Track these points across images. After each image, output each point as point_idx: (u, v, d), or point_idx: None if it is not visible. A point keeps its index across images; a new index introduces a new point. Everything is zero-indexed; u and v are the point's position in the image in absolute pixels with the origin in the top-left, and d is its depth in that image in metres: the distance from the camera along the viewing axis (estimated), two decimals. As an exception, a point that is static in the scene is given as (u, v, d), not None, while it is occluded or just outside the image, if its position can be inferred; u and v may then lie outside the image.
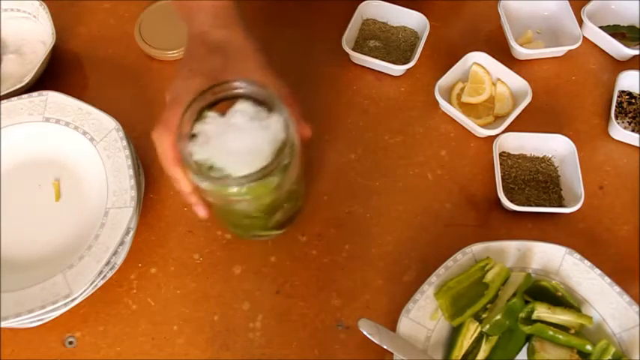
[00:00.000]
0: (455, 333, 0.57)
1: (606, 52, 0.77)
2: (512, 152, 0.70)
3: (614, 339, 0.56)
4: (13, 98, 0.67)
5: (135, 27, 0.78)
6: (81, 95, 0.68)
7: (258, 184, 0.49)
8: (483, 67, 0.73)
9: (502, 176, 0.67)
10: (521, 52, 0.74)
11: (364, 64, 0.76)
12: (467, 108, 0.72)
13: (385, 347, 0.54)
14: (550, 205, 0.66)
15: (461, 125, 0.72)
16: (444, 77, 0.71)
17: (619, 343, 0.56)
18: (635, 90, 0.74)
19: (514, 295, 0.56)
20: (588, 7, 0.77)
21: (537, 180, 0.68)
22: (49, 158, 0.67)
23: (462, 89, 0.73)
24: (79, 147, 0.65)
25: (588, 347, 0.55)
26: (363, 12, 0.78)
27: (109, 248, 0.58)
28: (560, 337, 0.55)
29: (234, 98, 0.52)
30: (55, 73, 0.76)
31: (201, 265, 0.63)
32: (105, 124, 0.65)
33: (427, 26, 0.75)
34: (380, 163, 0.69)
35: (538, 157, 0.70)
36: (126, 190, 0.62)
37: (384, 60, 0.73)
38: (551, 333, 0.55)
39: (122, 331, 0.60)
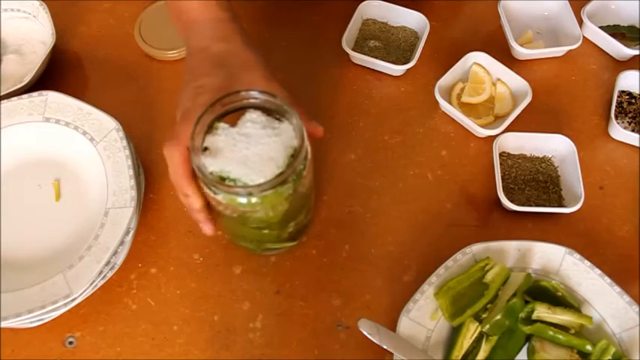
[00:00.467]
0: (455, 333, 0.57)
1: (606, 52, 0.77)
2: (512, 152, 0.70)
3: (614, 339, 0.56)
4: (13, 98, 0.67)
5: (135, 27, 0.79)
6: (81, 95, 0.68)
7: (273, 192, 0.49)
8: (483, 67, 0.73)
9: (502, 176, 0.67)
10: (521, 52, 0.74)
11: (364, 64, 0.76)
12: (467, 108, 0.72)
13: (385, 347, 0.54)
14: (550, 205, 0.66)
15: (461, 125, 0.72)
16: (444, 77, 0.71)
17: (619, 343, 0.56)
18: (635, 90, 0.74)
19: (514, 295, 0.56)
20: (588, 7, 0.77)
21: (537, 180, 0.68)
22: (49, 158, 0.67)
23: (462, 89, 0.73)
24: (79, 147, 0.65)
25: (588, 347, 0.55)
26: (363, 12, 0.78)
27: (109, 248, 0.58)
28: (560, 337, 0.55)
29: (243, 109, 0.52)
30: (55, 73, 0.76)
31: (201, 265, 0.63)
32: (105, 124, 0.65)
33: (427, 26, 0.75)
34: (380, 163, 0.69)
35: (538, 157, 0.70)
36: (126, 190, 0.62)
37: (384, 60, 0.73)
38: (551, 333, 0.55)
39: (122, 331, 0.60)
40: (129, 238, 0.61)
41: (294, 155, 0.50)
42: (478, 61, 0.74)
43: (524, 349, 0.57)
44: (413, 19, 0.77)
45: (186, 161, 0.51)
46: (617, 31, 0.78)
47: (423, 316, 0.57)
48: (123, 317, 0.61)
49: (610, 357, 0.54)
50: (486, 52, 0.73)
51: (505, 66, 0.72)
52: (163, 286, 0.62)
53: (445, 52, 0.77)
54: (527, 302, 0.57)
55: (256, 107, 0.52)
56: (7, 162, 0.67)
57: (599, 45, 0.78)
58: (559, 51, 0.76)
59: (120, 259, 0.61)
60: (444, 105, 0.71)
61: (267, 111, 0.52)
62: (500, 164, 0.68)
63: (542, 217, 0.65)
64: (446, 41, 0.78)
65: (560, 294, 0.57)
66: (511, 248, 0.60)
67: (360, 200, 0.67)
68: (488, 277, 0.58)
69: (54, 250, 0.62)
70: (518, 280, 0.57)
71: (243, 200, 0.50)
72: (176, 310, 0.61)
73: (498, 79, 0.73)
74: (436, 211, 0.66)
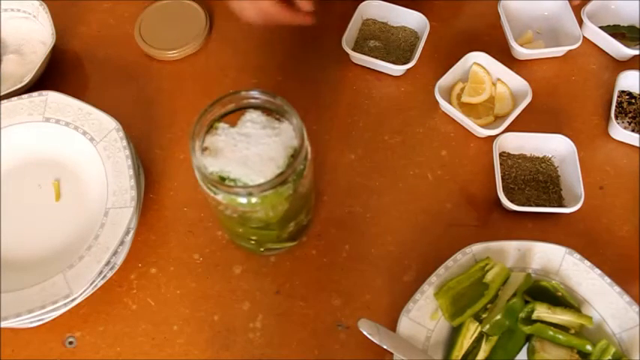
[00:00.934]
0: (455, 333, 0.57)
1: (606, 52, 0.77)
2: (512, 152, 0.70)
3: (614, 339, 0.56)
4: (13, 98, 0.67)
5: (135, 27, 0.79)
6: (81, 95, 0.68)
7: (273, 192, 0.49)
8: (483, 67, 0.73)
9: (502, 176, 0.67)
10: (521, 52, 0.74)
11: (364, 64, 0.76)
12: (467, 108, 0.72)
13: (385, 347, 0.54)
14: (550, 205, 0.66)
15: (461, 125, 0.72)
16: (444, 77, 0.71)
17: (619, 343, 0.56)
18: (635, 90, 0.74)
19: (514, 295, 0.56)
20: (588, 7, 0.77)
21: (537, 180, 0.68)
22: (49, 158, 0.67)
23: (462, 89, 0.73)
24: (79, 147, 0.65)
25: (588, 347, 0.55)
26: (363, 12, 0.78)
27: (109, 248, 0.58)
28: (560, 337, 0.55)
29: (243, 109, 0.52)
30: (55, 73, 0.76)
31: (201, 265, 0.63)
32: (105, 124, 0.65)
33: (427, 26, 0.75)
34: (380, 163, 0.69)
35: (538, 157, 0.70)
36: (126, 190, 0.62)
37: (384, 60, 0.73)
38: (551, 333, 0.55)
39: (122, 331, 0.60)
40: (129, 238, 0.61)
41: (294, 155, 0.50)
42: (478, 61, 0.74)
43: (524, 349, 0.57)
44: (413, 19, 0.77)
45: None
46: (617, 31, 0.78)
47: (423, 316, 0.57)
48: (123, 317, 0.61)
49: (610, 357, 0.54)
50: (486, 52, 0.73)
51: (505, 66, 0.72)
52: (163, 286, 0.62)
53: (445, 52, 0.77)
54: (527, 302, 0.57)
55: (256, 107, 0.53)
56: (7, 162, 0.67)
57: (599, 45, 0.78)
58: (559, 51, 0.76)
59: (120, 259, 0.61)
60: (444, 105, 0.71)
61: (267, 111, 0.53)
62: (500, 164, 0.68)
63: (542, 217, 0.65)
64: (446, 41, 0.78)
65: (560, 294, 0.57)
66: (511, 248, 0.60)
67: (360, 200, 0.67)
68: (488, 277, 0.58)
69: (54, 250, 0.62)
70: (518, 280, 0.57)
71: (243, 200, 0.50)
72: (176, 310, 0.61)
73: (498, 79, 0.73)
74: (436, 211, 0.66)
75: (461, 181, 0.68)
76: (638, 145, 0.70)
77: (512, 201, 0.64)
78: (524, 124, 0.69)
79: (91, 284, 0.58)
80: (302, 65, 0.76)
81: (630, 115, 0.72)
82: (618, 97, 0.73)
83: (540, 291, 0.58)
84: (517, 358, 0.56)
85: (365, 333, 0.55)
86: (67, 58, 0.78)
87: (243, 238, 0.61)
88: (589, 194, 0.64)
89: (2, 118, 0.67)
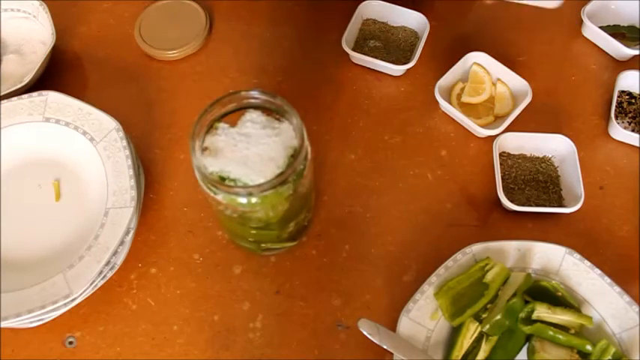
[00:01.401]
0: (455, 333, 0.57)
1: (606, 52, 0.77)
2: (512, 152, 0.70)
3: (614, 339, 0.56)
4: (13, 98, 0.67)
5: (135, 27, 0.79)
6: (81, 95, 0.68)
7: (273, 192, 0.49)
8: (483, 67, 0.73)
9: (502, 176, 0.67)
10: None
11: (364, 64, 0.76)
12: (467, 108, 0.72)
13: (385, 347, 0.54)
14: (550, 205, 0.66)
15: (461, 125, 0.72)
16: (444, 77, 0.71)
17: (619, 343, 0.56)
18: (635, 90, 0.74)
19: (514, 295, 0.56)
20: (588, 7, 0.77)
21: (537, 180, 0.68)
22: (49, 158, 0.67)
23: (462, 89, 0.73)
24: (79, 147, 0.65)
25: (588, 347, 0.55)
26: (363, 12, 0.78)
27: (109, 248, 0.58)
28: (560, 337, 0.55)
29: (243, 109, 0.52)
30: (55, 73, 0.76)
31: (201, 265, 0.63)
32: (105, 124, 0.65)
33: (427, 26, 0.75)
34: (380, 163, 0.69)
35: (538, 157, 0.70)
36: (126, 190, 0.62)
37: (384, 60, 0.73)
38: (551, 333, 0.55)
39: (122, 331, 0.60)
40: (129, 238, 0.61)
41: (294, 155, 0.50)
42: (478, 61, 0.74)
43: (524, 349, 0.57)
44: (413, 19, 0.77)
45: None
46: (617, 31, 0.77)
47: (423, 316, 0.57)
48: (123, 317, 0.61)
49: (610, 357, 0.54)
50: (486, 52, 0.73)
51: (505, 66, 0.72)
52: (163, 286, 0.62)
53: (445, 52, 0.77)
54: (527, 302, 0.57)
55: (256, 107, 0.53)
56: (7, 162, 0.67)
57: (599, 45, 0.78)
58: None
59: (120, 259, 0.61)
60: (444, 105, 0.71)
61: (267, 111, 0.53)
62: (500, 164, 0.68)
63: (542, 217, 0.65)
64: (446, 41, 0.78)
65: (560, 294, 0.57)
66: (511, 248, 0.60)
67: (360, 200, 0.67)
68: (488, 277, 0.58)
69: (54, 250, 0.62)
70: (518, 280, 0.57)
71: (243, 200, 0.50)
72: (176, 310, 0.61)
73: (498, 79, 0.73)
74: (436, 211, 0.66)
75: (461, 181, 0.68)
76: (638, 145, 0.70)
77: (512, 201, 0.64)
78: (524, 124, 0.69)
79: (91, 284, 0.58)
80: (302, 65, 0.76)
81: (630, 115, 0.72)
82: (618, 97, 0.73)
83: (540, 291, 0.58)
84: (517, 358, 0.56)
85: (365, 333, 0.55)
86: (67, 58, 0.78)
87: (243, 238, 0.61)
88: (589, 194, 0.64)
89: (2, 118, 0.67)
